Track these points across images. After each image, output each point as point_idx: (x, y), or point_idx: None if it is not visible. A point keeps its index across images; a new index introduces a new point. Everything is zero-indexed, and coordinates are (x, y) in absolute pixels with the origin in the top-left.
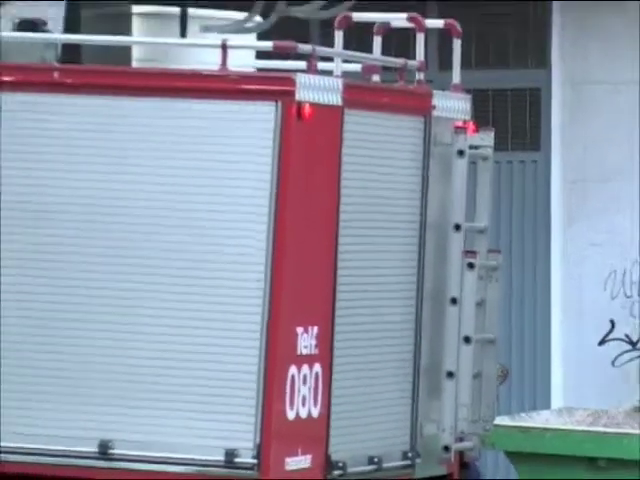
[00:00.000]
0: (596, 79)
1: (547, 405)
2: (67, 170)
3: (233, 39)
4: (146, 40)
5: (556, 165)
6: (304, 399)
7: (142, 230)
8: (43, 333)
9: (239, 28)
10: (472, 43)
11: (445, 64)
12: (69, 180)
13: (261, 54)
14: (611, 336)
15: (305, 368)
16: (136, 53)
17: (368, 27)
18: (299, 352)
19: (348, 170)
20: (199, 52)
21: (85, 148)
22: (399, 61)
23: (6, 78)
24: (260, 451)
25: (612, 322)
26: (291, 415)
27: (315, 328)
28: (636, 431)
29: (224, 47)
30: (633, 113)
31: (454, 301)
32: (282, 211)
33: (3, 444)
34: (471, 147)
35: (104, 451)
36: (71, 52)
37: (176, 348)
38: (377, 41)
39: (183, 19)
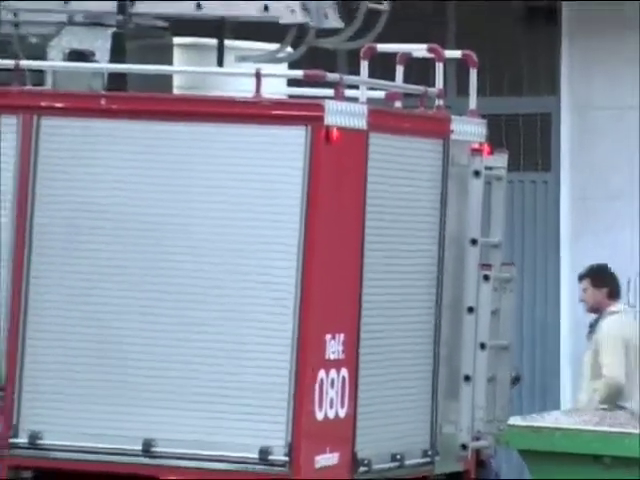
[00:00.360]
0: (601, 105)
1: (557, 406)
2: (116, 189)
3: (266, 68)
4: (186, 69)
5: (565, 185)
6: (332, 401)
7: (185, 245)
8: (97, 340)
9: (272, 58)
10: (487, 71)
11: (462, 91)
12: (118, 200)
13: (292, 82)
14: None
15: (333, 372)
16: (177, 81)
17: (391, 57)
18: (327, 357)
19: (373, 189)
20: (235, 80)
21: (130, 169)
22: (420, 88)
23: (58, 104)
24: (291, 449)
25: None
26: (320, 416)
27: (342, 335)
28: (636, 431)
29: (258, 76)
30: (634, 137)
31: (471, 310)
32: (312, 228)
33: (55, 442)
34: (486, 168)
35: (147, 449)
36: (117, 81)
37: (215, 354)
38: (399, 70)
39: (220, 50)
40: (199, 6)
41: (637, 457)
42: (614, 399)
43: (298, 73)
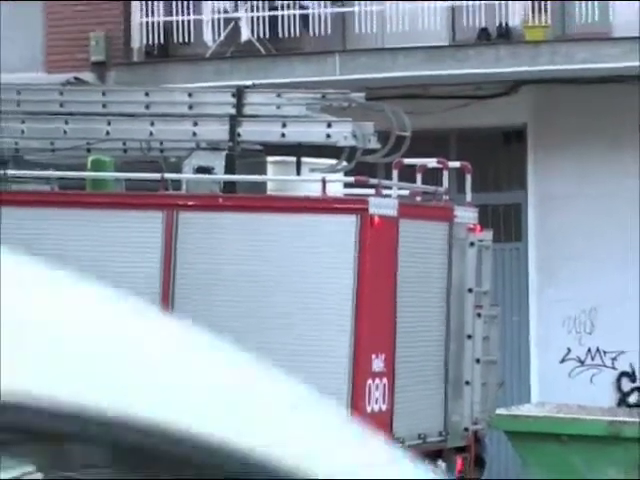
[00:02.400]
0: (556, 195)
1: (528, 401)
2: (232, 263)
3: (329, 176)
4: (274, 178)
5: (532, 250)
6: (376, 400)
7: (277, 299)
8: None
9: (332, 169)
10: (477, 175)
11: (461, 189)
12: (234, 269)
13: (347, 185)
14: (568, 357)
15: (377, 380)
16: (269, 186)
17: (412, 166)
18: (373, 370)
19: (402, 257)
20: (308, 184)
21: (238, 247)
22: (432, 188)
23: (190, 203)
24: None
25: (568, 349)
26: (369, 409)
27: (383, 355)
28: (586, 417)
29: (323, 181)
30: (589, 215)
31: (469, 337)
32: (361, 284)
33: None
34: (478, 240)
35: None
36: (229, 187)
37: (297, 367)
38: (419, 176)
39: (298, 164)
40: (283, 135)
41: (587, 435)
42: None
43: (350, 179)
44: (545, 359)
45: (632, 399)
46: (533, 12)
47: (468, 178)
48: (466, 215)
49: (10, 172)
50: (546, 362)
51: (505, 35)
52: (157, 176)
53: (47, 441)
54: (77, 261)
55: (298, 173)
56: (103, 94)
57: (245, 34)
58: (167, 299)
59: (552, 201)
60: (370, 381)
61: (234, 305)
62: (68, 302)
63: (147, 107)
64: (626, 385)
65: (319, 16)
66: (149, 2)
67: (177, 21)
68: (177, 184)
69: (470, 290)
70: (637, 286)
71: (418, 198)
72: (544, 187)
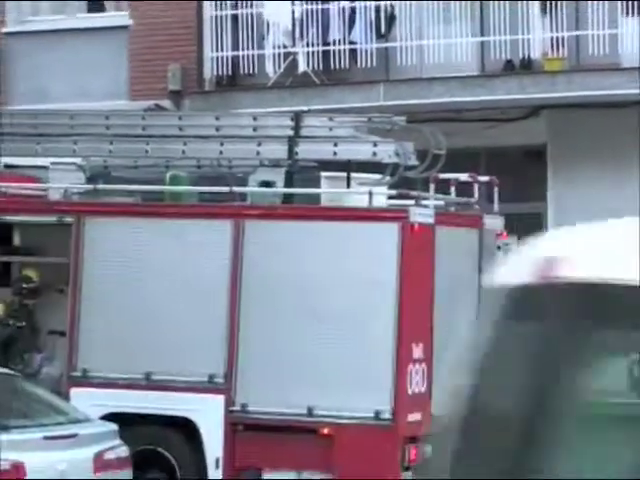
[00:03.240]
0: (573, 208)
1: None
2: (294, 266)
3: (375, 189)
4: (328, 191)
5: None
6: (417, 383)
7: (332, 297)
8: (286, 350)
9: (378, 183)
10: (503, 187)
11: (489, 200)
12: (296, 271)
13: (390, 196)
14: None
15: (417, 366)
16: (323, 198)
17: (447, 180)
18: (414, 357)
19: (438, 260)
20: (357, 196)
21: (297, 252)
22: (464, 199)
23: (254, 212)
24: (395, 411)
25: None
26: (410, 391)
27: (422, 344)
28: None
29: (370, 193)
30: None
31: None
32: (403, 283)
33: (255, 408)
34: (504, 244)
35: (310, 412)
36: (288, 199)
37: (349, 355)
38: (452, 189)
39: (348, 179)
40: (335, 153)
41: None
42: None
43: (393, 192)
44: None
45: None
46: (552, 46)
47: (495, 190)
48: (494, 223)
49: (100, 186)
50: None
51: (527, 66)
52: (226, 189)
53: None
54: (156, 263)
55: (348, 186)
56: (179, 119)
57: (302, 66)
58: (235, 296)
59: (568, 211)
60: (411, 366)
61: (294, 301)
62: None
63: (217, 130)
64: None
65: (366, 51)
66: (219, 39)
67: (243, 55)
68: (243, 196)
69: None
70: None
71: (452, 208)
72: (561, 199)
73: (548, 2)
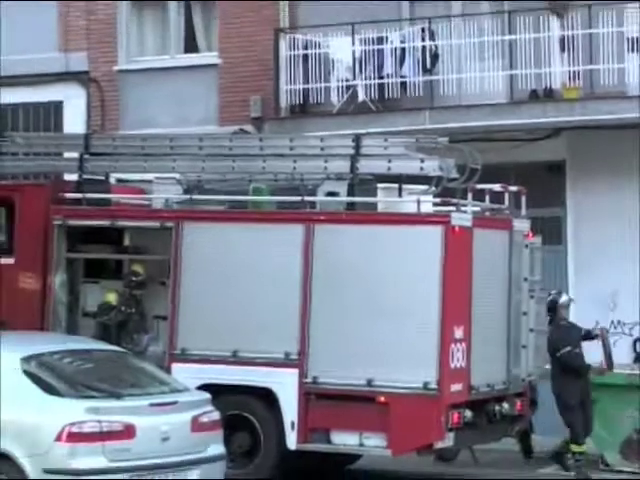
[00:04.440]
0: (592, 214)
1: None
2: (354, 261)
3: (422, 197)
4: (383, 199)
5: (570, 251)
6: (458, 359)
7: (389, 294)
8: (348, 333)
9: (425, 192)
10: (529, 196)
11: (518, 206)
12: (355, 266)
13: (435, 204)
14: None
15: (458, 345)
16: (379, 205)
17: (483, 190)
18: (455, 337)
19: (476, 257)
20: (407, 204)
21: (357, 252)
22: (497, 206)
23: (322, 218)
24: (440, 382)
25: (597, 321)
26: (452, 366)
27: (462, 327)
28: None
29: (418, 202)
30: (612, 226)
31: (525, 313)
32: (446, 279)
33: (325, 380)
34: (531, 244)
35: (369, 383)
36: (350, 206)
37: (403, 338)
38: (487, 197)
39: (400, 189)
40: (389, 168)
41: (612, 384)
42: None
43: (437, 200)
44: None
45: None
46: (569, 78)
47: (523, 199)
48: (522, 225)
49: (195, 197)
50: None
51: (549, 95)
52: (298, 199)
53: None
54: (242, 260)
55: (400, 195)
56: (260, 140)
57: (361, 96)
58: (307, 287)
59: (585, 216)
60: (453, 345)
61: (357, 292)
62: None
63: (291, 149)
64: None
65: (414, 83)
66: (292, 74)
67: (312, 87)
68: (313, 204)
69: (525, 279)
70: None
71: (487, 213)
72: (578, 205)
73: (566, 41)
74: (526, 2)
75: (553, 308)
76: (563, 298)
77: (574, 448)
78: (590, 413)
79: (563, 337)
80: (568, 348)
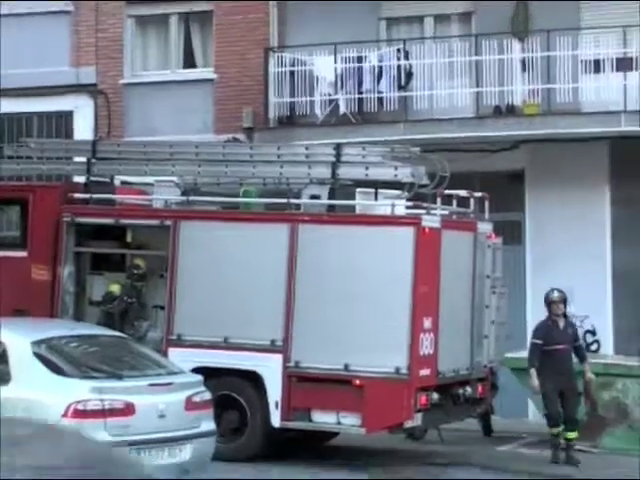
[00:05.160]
0: (547, 217)
1: (525, 348)
2: (334, 258)
3: (396, 201)
4: (360, 202)
5: (528, 250)
6: (426, 347)
7: (362, 287)
8: (328, 318)
9: (398, 197)
10: (492, 201)
11: (482, 210)
12: (335, 262)
13: (407, 207)
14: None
15: (427, 334)
16: (357, 208)
17: (450, 195)
18: (424, 327)
19: (443, 255)
20: (383, 207)
21: (337, 249)
22: (463, 210)
23: (305, 218)
24: (410, 368)
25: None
26: (421, 353)
27: (430, 318)
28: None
29: (392, 205)
30: (568, 229)
31: (487, 306)
32: (417, 275)
33: (306, 364)
34: (493, 244)
35: (346, 367)
36: (331, 208)
37: (378, 325)
38: (454, 202)
39: (375, 193)
40: (366, 175)
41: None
42: None
43: (410, 204)
44: (537, 320)
45: (593, 348)
46: (529, 95)
47: (486, 203)
48: (485, 227)
49: (191, 198)
50: (537, 322)
51: (511, 110)
52: (284, 201)
53: None
54: (232, 255)
55: (376, 199)
56: (250, 148)
57: (342, 109)
58: (291, 281)
59: (541, 219)
60: (423, 335)
61: (336, 285)
62: None
63: (278, 156)
64: (589, 338)
65: (390, 98)
66: (280, 88)
67: (298, 101)
68: (297, 206)
69: (488, 276)
70: (599, 275)
71: (454, 216)
72: (536, 210)
73: (527, 62)
74: (491, 26)
75: (547, 304)
76: (552, 294)
77: (554, 430)
78: (570, 405)
79: (536, 329)
80: (532, 340)
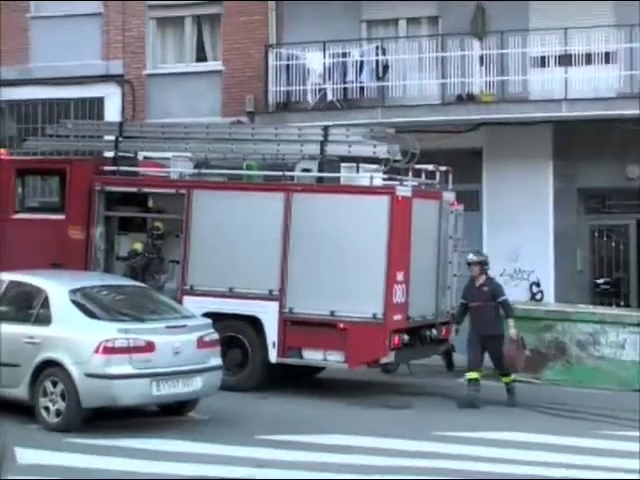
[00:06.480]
0: (502, 188)
1: None
2: (322, 223)
3: (374, 174)
4: (343, 175)
5: (485, 216)
6: (399, 296)
7: (345, 248)
8: (317, 271)
9: (376, 170)
10: (455, 174)
11: (446, 182)
12: (323, 227)
13: (384, 179)
14: (504, 273)
15: (399, 286)
16: (342, 180)
17: (420, 169)
18: (398, 280)
19: (414, 220)
20: (363, 179)
21: (324, 215)
22: (430, 182)
23: (298, 188)
24: (385, 314)
25: (504, 269)
26: (395, 301)
27: (402, 272)
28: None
29: (371, 177)
30: (519, 198)
31: (450, 262)
32: (391, 237)
33: (299, 310)
34: (455, 210)
35: (332, 313)
36: (320, 180)
37: (358, 280)
38: (423, 175)
39: (357, 167)
40: (349, 152)
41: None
42: None
43: (386, 176)
44: (491, 274)
45: (537, 297)
46: (486, 86)
47: (450, 176)
48: (449, 196)
49: (202, 171)
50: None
51: (471, 98)
52: (280, 173)
53: None
54: (237, 219)
55: (357, 172)
56: (252, 129)
57: (329, 97)
58: (286, 240)
59: (496, 190)
60: (396, 286)
61: (324, 244)
62: None
63: (276, 136)
64: (535, 289)
65: (370, 87)
66: (278, 79)
67: (293, 90)
68: (292, 178)
69: (450, 237)
70: (543, 237)
71: (423, 187)
72: (492, 182)
73: (484, 58)
74: (455, 27)
75: (467, 265)
76: (468, 257)
77: (468, 375)
78: (492, 353)
79: (464, 289)
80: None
